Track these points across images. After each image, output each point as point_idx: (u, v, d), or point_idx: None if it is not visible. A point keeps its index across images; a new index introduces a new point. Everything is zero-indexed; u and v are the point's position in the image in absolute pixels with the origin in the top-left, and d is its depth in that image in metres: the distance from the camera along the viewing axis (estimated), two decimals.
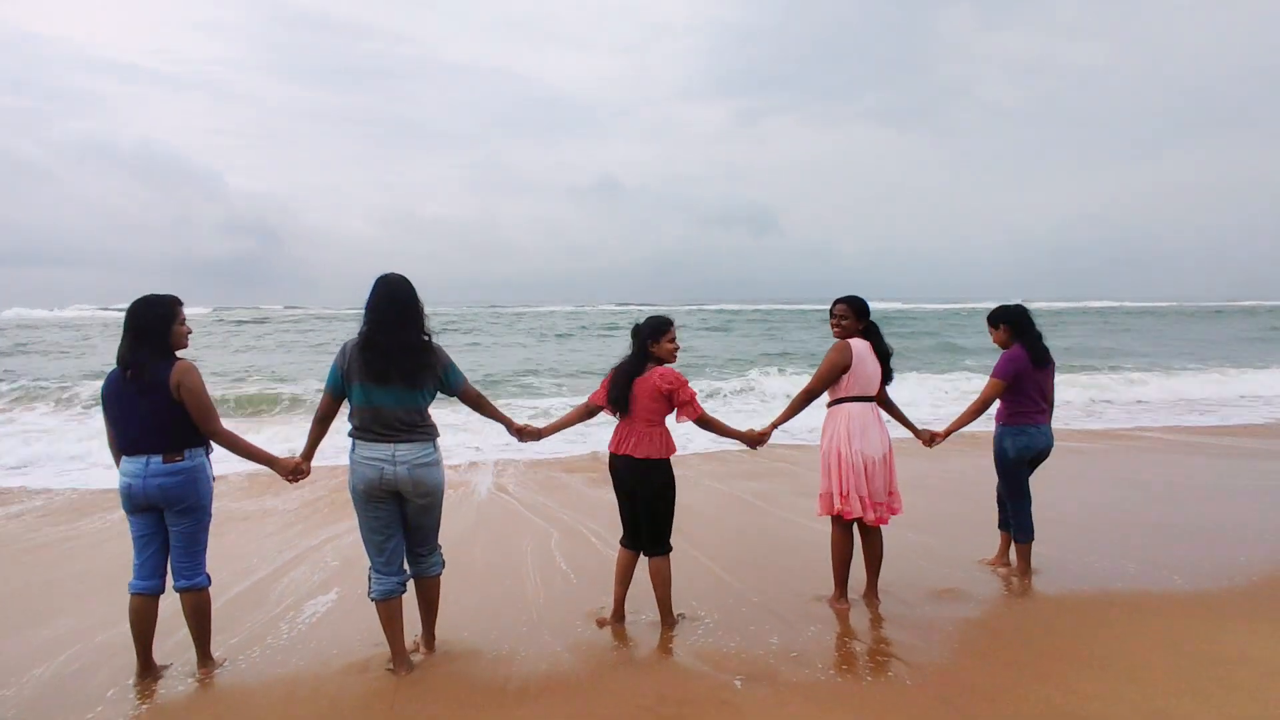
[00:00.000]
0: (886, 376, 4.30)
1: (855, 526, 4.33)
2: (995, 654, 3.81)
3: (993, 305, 5.05)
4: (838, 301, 4.38)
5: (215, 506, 3.77)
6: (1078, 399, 13.87)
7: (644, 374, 4.00)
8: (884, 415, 4.43)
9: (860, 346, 4.20)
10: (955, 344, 27.89)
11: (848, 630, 4.16)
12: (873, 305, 4.42)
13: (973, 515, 6.45)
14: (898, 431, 4.52)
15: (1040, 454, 4.79)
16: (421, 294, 3.61)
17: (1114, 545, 5.55)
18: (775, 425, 4.41)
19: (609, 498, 4.46)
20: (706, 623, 4.31)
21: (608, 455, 4.16)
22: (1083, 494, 7.14)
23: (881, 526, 4.34)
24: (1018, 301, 5.10)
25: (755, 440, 4.36)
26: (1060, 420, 5.42)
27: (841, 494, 4.17)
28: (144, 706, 3.45)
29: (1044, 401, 4.73)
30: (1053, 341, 4.98)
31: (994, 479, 5.05)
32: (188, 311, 3.63)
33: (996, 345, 4.93)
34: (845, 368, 4.16)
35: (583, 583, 4.95)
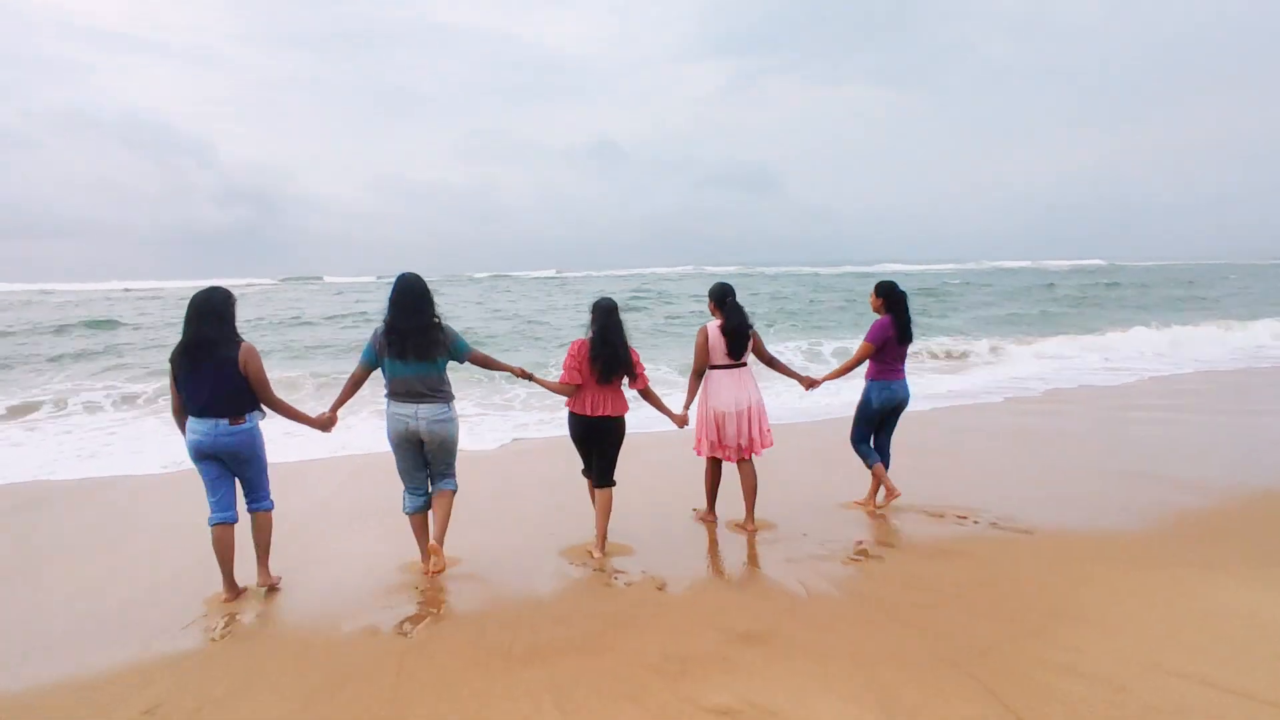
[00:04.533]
0: (742, 344, 5.12)
1: (723, 463, 5.34)
2: (991, 610, 3.88)
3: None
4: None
5: None
6: None
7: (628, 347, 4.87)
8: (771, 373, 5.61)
9: (711, 327, 5.18)
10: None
11: (847, 588, 4.23)
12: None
13: (964, 474, 6.53)
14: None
15: (900, 404, 5.58)
16: (430, 278, 4.51)
17: (1101, 498, 5.64)
18: (686, 407, 5.24)
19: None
20: (707, 582, 4.40)
21: (577, 417, 4.84)
22: (1066, 450, 7.20)
23: (754, 461, 5.26)
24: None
25: (680, 422, 5.12)
26: None
27: (697, 438, 5.29)
28: (157, 663, 3.54)
29: (900, 364, 5.56)
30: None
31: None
32: (193, 283, 3.76)
33: (872, 309, 5.64)
34: (704, 347, 5.15)
35: (581, 543, 5.03)
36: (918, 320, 6.25)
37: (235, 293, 4.38)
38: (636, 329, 20.23)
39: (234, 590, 4.31)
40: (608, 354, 4.74)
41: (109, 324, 23.77)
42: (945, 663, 3.37)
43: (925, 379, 12.16)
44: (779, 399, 10.10)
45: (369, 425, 8.49)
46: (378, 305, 28.75)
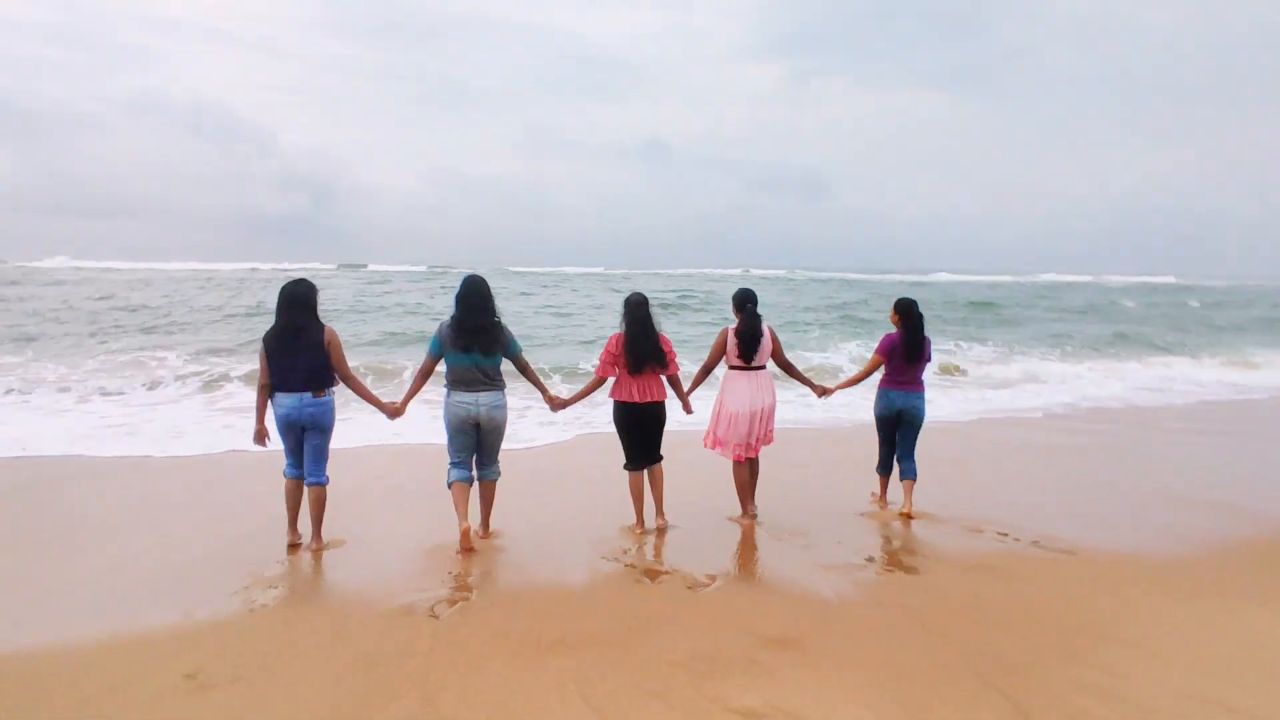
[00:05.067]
0: (752, 348, 5.32)
1: (748, 462, 5.49)
2: (1027, 629, 3.79)
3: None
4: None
5: None
6: None
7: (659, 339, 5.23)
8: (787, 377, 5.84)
9: (730, 329, 5.43)
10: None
11: (880, 598, 4.18)
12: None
13: (1006, 489, 6.39)
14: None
15: (898, 414, 5.74)
16: (492, 281, 5.05)
17: (1147, 521, 5.47)
18: (689, 393, 5.50)
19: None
20: (738, 583, 4.39)
21: (626, 405, 5.21)
22: (1118, 470, 6.99)
23: (758, 460, 5.55)
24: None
25: (687, 409, 5.48)
26: None
27: (707, 432, 5.53)
28: (199, 630, 3.68)
29: (910, 375, 5.72)
30: None
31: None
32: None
33: (892, 324, 5.86)
34: (721, 347, 5.42)
35: (617, 538, 5.08)
36: (967, 333, 6.29)
37: (291, 276, 4.64)
38: (688, 331, 20.18)
39: (295, 534, 4.90)
40: (640, 347, 5.14)
41: (164, 306, 24.36)
42: (976, 679, 3.30)
43: (973, 393, 11.94)
44: (814, 410, 9.99)
45: (414, 410, 8.63)
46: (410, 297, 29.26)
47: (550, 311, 25.85)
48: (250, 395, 10.33)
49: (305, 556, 4.76)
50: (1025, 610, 4.03)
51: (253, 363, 12.45)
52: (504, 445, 5.11)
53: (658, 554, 4.85)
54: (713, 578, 4.44)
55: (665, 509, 5.38)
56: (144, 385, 10.98)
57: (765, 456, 5.63)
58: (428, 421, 8.28)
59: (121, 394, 10.49)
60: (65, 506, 5.79)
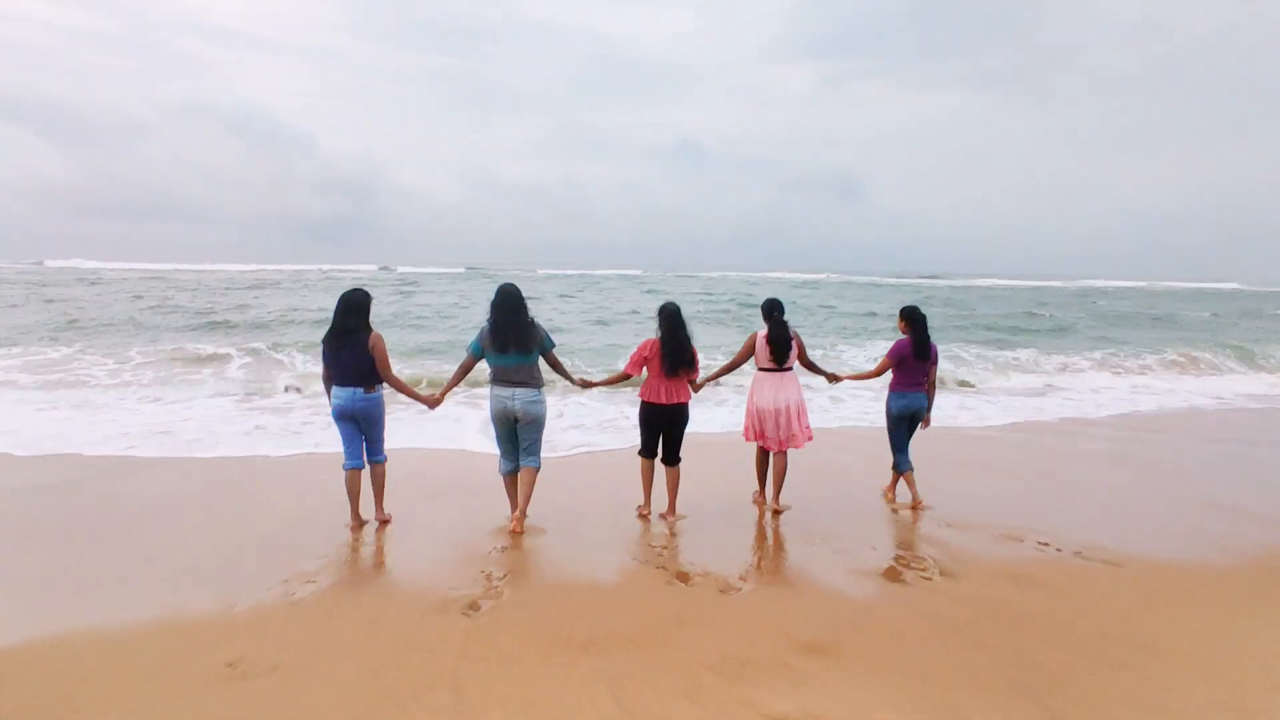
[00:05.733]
0: (784, 352, 5.76)
1: (767, 450, 5.95)
2: (1069, 640, 3.70)
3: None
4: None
5: None
6: None
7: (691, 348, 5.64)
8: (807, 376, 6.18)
9: (760, 334, 5.88)
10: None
11: (916, 605, 4.11)
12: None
13: (1045, 497, 6.24)
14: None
15: (915, 414, 6.16)
16: (522, 282, 5.51)
17: (1196, 533, 5.29)
18: (706, 381, 6.08)
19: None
20: (771, 586, 4.35)
21: (654, 405, 5.60)
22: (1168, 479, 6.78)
23: (790, 453, 5.92)
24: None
25: (694, 388, 5.88)
26: None
27: (745, 428, 6.04)
28: (241, 619, 3.76)
29: (921, 377, 6.13)
30: None
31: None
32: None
33: (900, 330, 6.26)
34: (750, 349, 5.88)
35: (650, 539, 5.08)
36: (1007, 340, 6.25)
37: (331, 277, 4.76)
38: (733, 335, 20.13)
39: (358, 520, 5.32)
40: (675, 353, 5.54)
41: (203, 307, 24.69)
42: (1015, 689, 3.23)
43: (1007, 401, 11.70)
44: (848, 406, 9.89)
45: (459, 413, 8.76)
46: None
47: (586, 315, 25.97)
48: (285, 397, 10.64)
49: (344, 551, 4.84)
50: (1068, 621, 3.93)
51: (290, 365, 13.01)
52: (556, 453, 5.21)
53: (690, 556, 4.83)
54: (745, 580, 4.42)
55: (678, 507, 5.69)
56: (180, 385, 11.17)
57: (798, 459, 5.65)
58: (473, 425, 8.44)
59: (157, 397, 10.57)
60: (106, 501, 5.94)
